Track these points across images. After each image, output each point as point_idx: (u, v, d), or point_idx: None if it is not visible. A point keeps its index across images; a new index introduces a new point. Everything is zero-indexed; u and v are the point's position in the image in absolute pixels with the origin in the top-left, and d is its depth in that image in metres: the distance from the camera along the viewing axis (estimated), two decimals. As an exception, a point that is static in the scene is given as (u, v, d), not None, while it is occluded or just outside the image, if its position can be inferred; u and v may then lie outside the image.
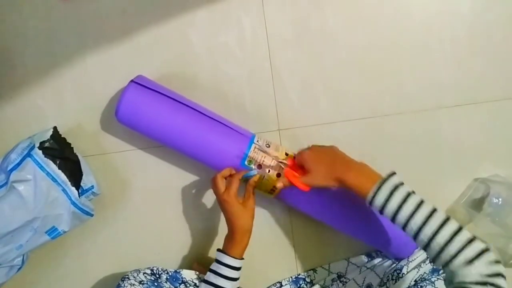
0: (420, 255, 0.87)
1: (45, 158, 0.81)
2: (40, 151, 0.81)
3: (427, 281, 0.82)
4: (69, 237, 0.91)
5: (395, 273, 0.86)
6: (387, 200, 0.65)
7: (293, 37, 0.87)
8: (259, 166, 0.80)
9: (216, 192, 0.78)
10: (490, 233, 0.91)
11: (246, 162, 0.80)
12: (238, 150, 0.81)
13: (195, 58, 0.88)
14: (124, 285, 0.75)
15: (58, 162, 0.83)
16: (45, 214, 0.81)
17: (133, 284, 0.75)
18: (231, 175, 0.80)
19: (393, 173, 0.68)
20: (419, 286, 0.81)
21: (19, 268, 0.88)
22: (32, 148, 0.82)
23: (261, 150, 0.81)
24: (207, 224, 0.96)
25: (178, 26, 0.87)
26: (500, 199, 0.88)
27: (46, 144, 0.83)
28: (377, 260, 0.91)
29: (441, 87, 0.89)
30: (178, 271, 0.84)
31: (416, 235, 0.63)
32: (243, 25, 0.87)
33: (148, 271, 0.81)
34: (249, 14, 0.86)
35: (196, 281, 0.83)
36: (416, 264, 0.86)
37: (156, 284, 0.78)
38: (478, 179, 0.92)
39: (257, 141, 0.82)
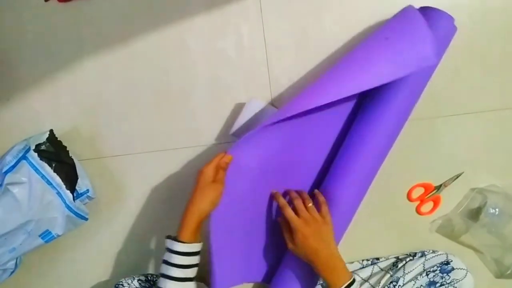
0: (416, 267, 0.86)
1: (41, 161, 0.81)
2: (36, 154, 0.81)
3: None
4: (63, 241, 0.90)
5: (391, 285, 0.85)
6: None
7: (291, 44, 0.88)
8: None
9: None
10: (487, 243, 0.90)
11: None
12: None
13: (192, 64, 0.88)
14: (118, 292, 0.74)
15: (53, 165, 0.83)
16: (39, 217, 0.81)
17: (127, 291, 0.75)
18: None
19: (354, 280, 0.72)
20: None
21: (12, 272, 0.87)
22: (28, 150, 0.82)
23: None
24: (203, 230, 0.95)
25: (176, 32, 0.87)
26: (497, 210, 0.87)
27: (42, 147, 0.83)
28: (372, 271, 0.91)
29: (438, 96, 0.89)
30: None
31: None
32: (241, 31, 0.87)
33: (143, 278, 0.81)
34: (247, 21, 0.87)
35: None
36: (413, 277, 0.85)
37: (149, 290, 0.78)
38: (475, 189, 0.91)
39: None
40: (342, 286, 0.69)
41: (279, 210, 0.79)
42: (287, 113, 0.71)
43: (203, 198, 0.71)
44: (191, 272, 0.70)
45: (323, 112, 0.80)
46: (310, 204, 0.76)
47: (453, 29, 0.77)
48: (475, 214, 0.90)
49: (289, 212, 0.76)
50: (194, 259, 0.71)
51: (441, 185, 0.91)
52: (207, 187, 0.72)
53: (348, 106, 0.84)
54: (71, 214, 0.84)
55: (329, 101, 0.69)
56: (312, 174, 0.87)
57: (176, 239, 0.70)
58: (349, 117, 0.84)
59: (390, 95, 0.77)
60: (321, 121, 0.81)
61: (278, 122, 0.73)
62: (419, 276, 0.85)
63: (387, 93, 0.77)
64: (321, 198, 0.77)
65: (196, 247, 0.71)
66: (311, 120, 0.80)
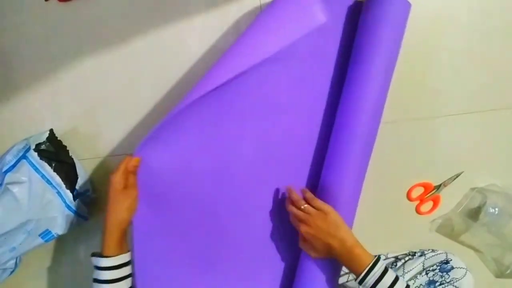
0: (415, 266, 0.86)
1: (41, 161, 0.81)
2: (36, 153, 0.82)
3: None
4: (63, 240, 0.90)
5: (390, 284, 0.85)
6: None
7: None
8: None
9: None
10: (486, 243, 0.90)
11: None
12: None
13: (192, 64, 0.88)
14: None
15: (53, 164, 0.83)
16: (39, 217, 0.81)
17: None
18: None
19: (378, 259, 0.69)
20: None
21: (12, 271, 0.88)
22: (28, 150, 0.82)
23: None
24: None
25: (176, 31, 0.87)
26: (496, 209, 0.87)
27: (42, 147, 0.83)
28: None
29: (438, 96, 0.89)
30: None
31: None
32: (241, 31, 0.87)
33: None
34: (247, 21, 0.87)
35: None
36: (412, 276, 0.85)
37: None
38: (474, 188, 0.91)
39: None
40: (363, 271, 0.66)
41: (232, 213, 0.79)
42: (184, 103, 0.69)
43: (117, 207, 0.70)
44: (124, 284, 0.70)
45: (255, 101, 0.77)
46: (304, 206, 0.74)
47: (407, 5, 0.75)
48: (474, 213, 0.90)
49: (293, 220, 0.75)
50: (125, 271, 0.70)
51: (440, 185, 0.91)
52: (119, 195, 0.71)
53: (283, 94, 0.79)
54: (71, 214, 0.84)
55: (224, 80, 0.68)
56: (265, 167, 0.81)
57: (101, 255, 0.69)
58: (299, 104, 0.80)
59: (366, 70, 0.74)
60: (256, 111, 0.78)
61: (185, 115, 0.71)
62: (418, 275, 0.85)
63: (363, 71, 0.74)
64: (307, 195, 0.75)
65: (122, 258, 0.70)
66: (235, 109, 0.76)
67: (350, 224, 0.77)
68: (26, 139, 0.86)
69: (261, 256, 0.84)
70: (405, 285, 0.65)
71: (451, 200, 0.93)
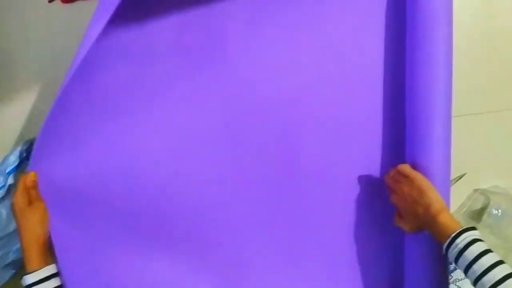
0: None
1: (44, 162, 0.81)
2: (39, 154, 0.81)
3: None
4: (66, 241, 0.90)
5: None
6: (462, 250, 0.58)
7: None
8: None
9: None
10: (490, 244, 0.89)
11: None
12: None
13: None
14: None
15: (56, 165, 0.83)
16: (42, 218, 0.81)
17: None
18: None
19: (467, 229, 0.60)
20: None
21: (15, 272, 0.87)
22: (31, 151, 0.82)
23: None
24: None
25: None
26: (499, 211, 0.87)
27: (45, 148, 0.83)
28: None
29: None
30: None
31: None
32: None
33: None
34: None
35: None
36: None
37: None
38: (477, 190, 0.92)
39: None
40: (446, 242, 0.59)
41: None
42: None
43: (29, 224, 0.69)
44: None
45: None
46: (393, 173, 0.70)
47: None
48: (478, 215, 0.90)
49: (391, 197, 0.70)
50: (53, 282, 0.68)
51: (443, 186, 0.91)
52: (26, 212, 0.69)
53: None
54: (74, 215, 0.84)
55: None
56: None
57: (27, 273, 0.67)
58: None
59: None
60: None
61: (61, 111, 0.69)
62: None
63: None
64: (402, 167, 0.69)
65: (48, 270, 0.68)
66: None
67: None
68: (29, 140, 0.86)
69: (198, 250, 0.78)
70: (496, 259, 0.56)
71: (454, 202, 0.92)
